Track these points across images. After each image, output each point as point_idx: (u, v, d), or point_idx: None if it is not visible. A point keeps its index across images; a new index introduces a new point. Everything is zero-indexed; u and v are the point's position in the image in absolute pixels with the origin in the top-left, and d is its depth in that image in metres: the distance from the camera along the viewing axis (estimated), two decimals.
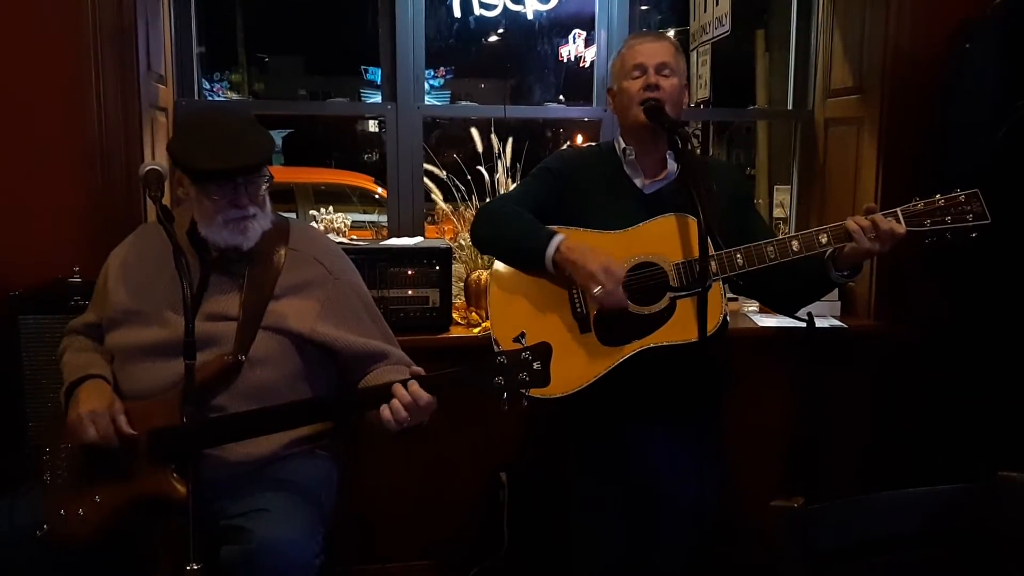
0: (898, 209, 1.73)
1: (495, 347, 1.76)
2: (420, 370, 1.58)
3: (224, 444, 1.56)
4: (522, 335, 1.55)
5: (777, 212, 3.13)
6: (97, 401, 1.54)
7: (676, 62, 1.88)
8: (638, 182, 1.92)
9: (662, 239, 1.80)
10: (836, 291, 2.58)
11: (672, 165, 1.90)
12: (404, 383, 1.50)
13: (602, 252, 1.74)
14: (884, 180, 2.49)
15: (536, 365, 1.48)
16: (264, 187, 1.64)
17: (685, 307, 1.76)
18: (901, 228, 1.70)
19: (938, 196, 1.73)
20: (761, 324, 2.49)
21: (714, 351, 1.74)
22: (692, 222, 1.78)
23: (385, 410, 1.50)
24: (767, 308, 2.60)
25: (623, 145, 1.92)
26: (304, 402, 1.65)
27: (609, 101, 1.97)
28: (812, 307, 2.23)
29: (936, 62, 2.42)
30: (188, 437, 1.48)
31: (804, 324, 2.37)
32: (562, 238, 1.77)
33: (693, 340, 1.72)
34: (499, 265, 1.90)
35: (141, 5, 2.19)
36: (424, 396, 1.49)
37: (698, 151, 5.26)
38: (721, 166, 2.09)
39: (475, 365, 1.52)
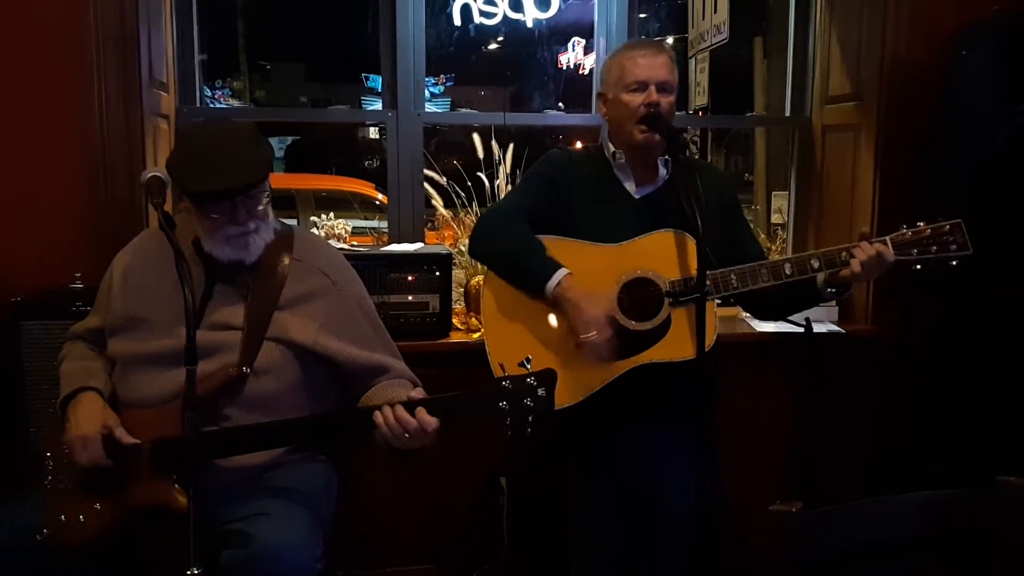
0: (887, 238, 1.76)
1: (500, 369, 1.75)
2: (420, 392, 1.59)
3: (226, 457, 1.57)
4: (528, 360, 1.55)
5: (775, 218, 3.15)
6: (88, 424, 1.54)
7: (674, 78, 1.88)
8: (628, 187, 1.92)
9: (657, 255, 1.81)
10: None
11: (663, 171, 1.91)
12: (411, 407, 1.50)
13: (601, 300, 1.75)
14: (881, 187, 2.50)
15: (541, 391, 1.49)
16: (264, 201, 1.63)
17: (680, 324, 1.77)
18: (891, 258, 1.73)
19: (923, 225, 1.76)
20: (759, 329, 2.49)
21: (708, 364, 1.75)
22: (686, 238, 1.80)
23: (379, 421, 1.50)
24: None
25: (612, 149, 1.92)
26: (309, 419, 1.64)
27: (600, 107, 1.95)
28: (810, 313, 2.24)
29: (934, 69, 2.43)
30: (190, 448, 1.47)
31: (802, 329, 2.38)
32: (564, 273, 1.77)
33: (687, 358, 1.74)
34: (492, 277, 1.90)
35: (143, 13, 2.21)
36: (432, 421, 1.49)
37: (696, 157, 5.27)
38: (708, 170, 2.09)
39: (479, 389, 1.53)
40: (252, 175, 1.58)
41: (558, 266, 1.78)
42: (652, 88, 1.83)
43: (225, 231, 1.59)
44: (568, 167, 1.94)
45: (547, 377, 1.50)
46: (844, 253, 1.75)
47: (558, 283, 1.76)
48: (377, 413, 1.50)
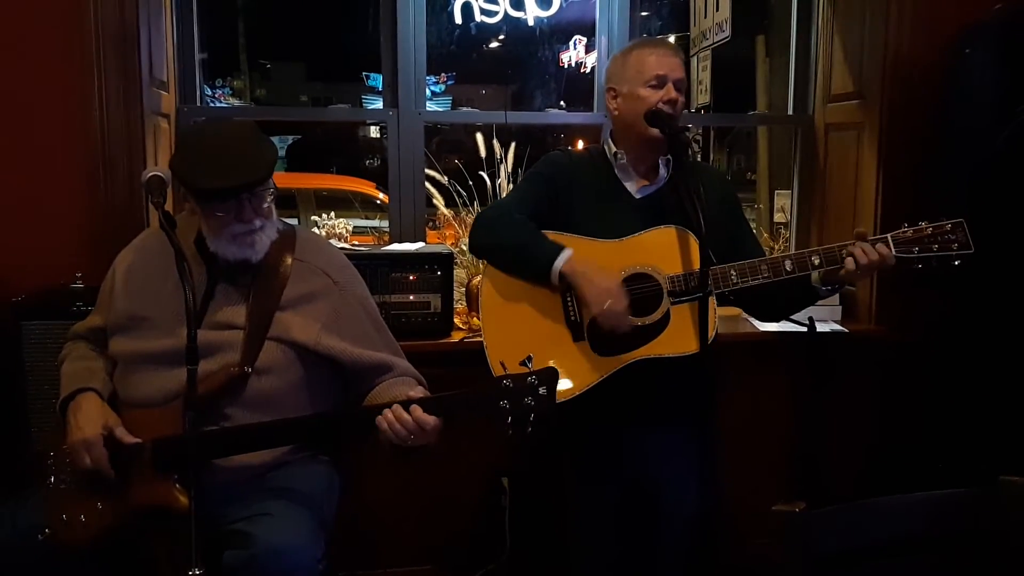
0: (888, 235, 1.75)
1: (501, 367, 1.75)
2: (422, 392, 1.58)
3: (227, 456, 1.57)
4: (529, 358, 1.55)
5: (778, 217, 3.14)
6: (89, 426, 1.54)
7: (686, 79, 1.89)
8: (629, 186, 1.92)
9: (656, 251, 1.81)
10: (837, 295, 2.58)
11: (663, 170, 1.91)
12: (407, 406, 1.50)
13: (612, 273, 1.75)
14: (884, 185, 2.49)
15: (542, 390, 1.49)
16: (269, 199, 1.64)
17: (680, 319, 1.77)
18: (891, 258, 1.73)
19: (925, 224, 1.75)
20: (762, 329, 2.49)
21: (709, 359, 1.74)
22: (686, 234, 1.80)
23: (384, 426, 1.50)
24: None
25: (614, 149, 1.92)
26: (310, 418, 1.64)
27: (610, 101, 1.93)
28: (813, 312, 2.23)
29: (936, 67, 2.43)
30: (191, 448, 1.47)
31: (805, 329, 2.38)
32: (570, 253, 1.78)
33: (688, 353, 1.74)
34: (491, 272, 1.89)
35: (143, 12, 2.20)
36: (429, 420, 1.49)
37: (699, 157, 5.26)
38: (709, 172, 2.10)
39: (480, 388, 1.53)
40: (258, 172, 1.59)
41: (562, 247, 1.79)
42: (671, 85, 1.84)
43: (231, 229, 1.59)
44: (568, 167, 1.94)
45: (548, 376, 1.50)
46: (845, 251, 1.75)
47: (566, 260, 1.76)
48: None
